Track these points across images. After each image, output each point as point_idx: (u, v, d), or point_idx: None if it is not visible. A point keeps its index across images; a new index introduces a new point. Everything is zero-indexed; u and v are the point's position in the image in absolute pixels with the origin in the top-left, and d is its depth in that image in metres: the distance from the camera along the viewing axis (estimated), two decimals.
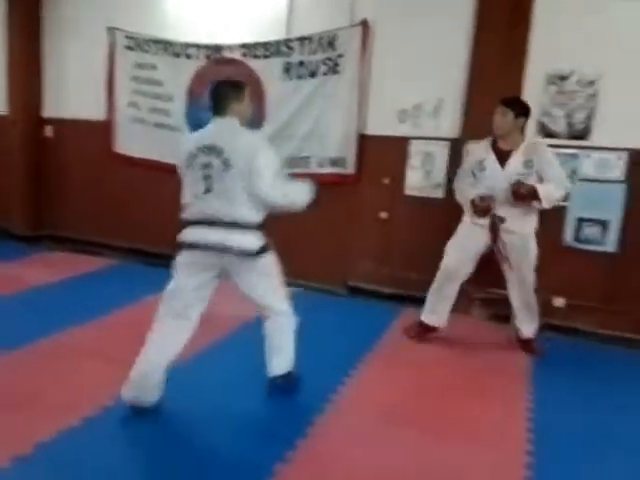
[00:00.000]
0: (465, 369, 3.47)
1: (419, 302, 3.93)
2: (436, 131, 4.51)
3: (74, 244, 6.05)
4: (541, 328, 3.80)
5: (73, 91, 5.98)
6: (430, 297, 3.79)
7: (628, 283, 4.07)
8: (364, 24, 4.54)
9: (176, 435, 2.56)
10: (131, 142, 5.69)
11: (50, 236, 6.24)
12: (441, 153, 4.50)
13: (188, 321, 2.67)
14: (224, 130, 2.66)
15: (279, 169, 2.69)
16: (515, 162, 3.44)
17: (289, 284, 2.96)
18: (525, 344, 3.76)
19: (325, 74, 4.71)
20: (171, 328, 2.65)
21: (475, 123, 4.27)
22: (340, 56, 4.64)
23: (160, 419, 2.64)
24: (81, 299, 4.31)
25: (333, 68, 4.67)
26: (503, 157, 3.46)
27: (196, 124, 5.27)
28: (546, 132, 4.14)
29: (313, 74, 4.76)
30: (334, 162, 4.78)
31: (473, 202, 3.52)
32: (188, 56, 5.26)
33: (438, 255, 3.78)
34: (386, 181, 4.69)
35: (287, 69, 4.83)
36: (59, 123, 6.11)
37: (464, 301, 4.07)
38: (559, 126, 4.14)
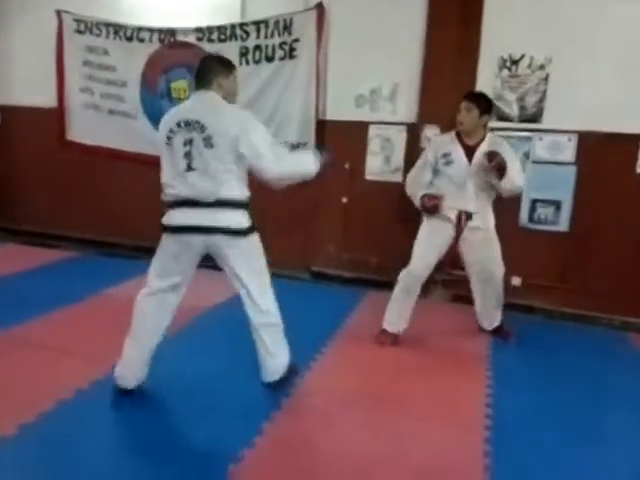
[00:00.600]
0: (426, 349, 3.55)
1: (380, 285, 3.97)
2: (393, 116, 4.55)
3: (28, 237, 5.87)
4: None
5: (21, 77, 5.76)
6: (392, 306, 3.59)
7: (580, 261, 4.23)
8: (319, 8, 4.52)
9: (141, 420, 2.55)
10: (85, 129, 5.54)
11: (2, 228, 6.04)
12: (399, 138, 4.55)
13: (174, 299, 2.66)
14: (205, 104, 2.55)
15: (273, 140, 2.59)
16: (479, 157, 3.38)
17: None
18: (496, 332, 3.79)
19: (282, 59, 4.68)
20: (156, 308, 2.64)
21: (431, 107, 4.33)
22: (296, 40, 4.61)
23: (124, 405, 2.63)
24: (38, 292, 4.18)
25: (290, 53, 4.64)
26: (469, 152, 3.40)
27: (152, 110, 5.20)
28: (500, 116, 4.23)
29: (270, 59, 4.71)
30: (295, 148, 4.77)
31: (423, 199, 3.44)
32: (141, 40, 5.13)
33: (398, 240, 3.83)
34: (347, 166, 4.71)
35: (243, 53, 4.77)
36: (7, 111, 5.88)
37: (425, 283, 4.14)
38: (512, 110, 4.23)
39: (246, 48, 4.76)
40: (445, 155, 3.42)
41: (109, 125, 5.40)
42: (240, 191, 2.56)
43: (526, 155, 4.21)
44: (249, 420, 2.57)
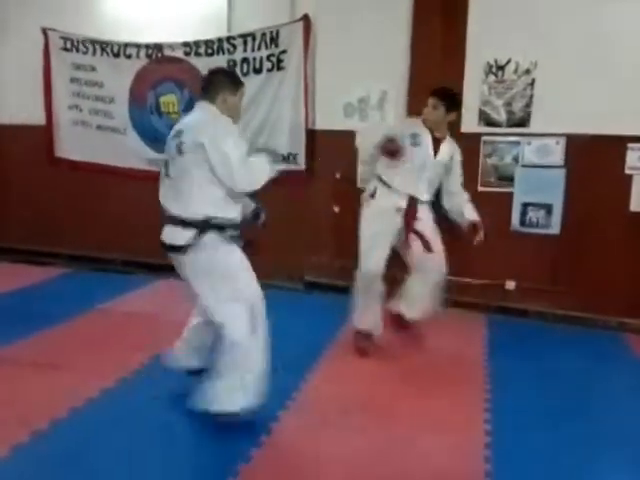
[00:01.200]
0: (423, 355, 3.53)
1: None
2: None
3: (19, 254, 5.80)
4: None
5: (8, 95, 5.74)
6: (359, 306, 3.55)
7: (571, 264, 4.24)
8: (305, 19, 4.55)
9: (137, 436, 2.51)
10: (73, 146, 5.53)
11: None
12: None
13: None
14: (196, 114, 2.53)
15: (245, 150, 2.46)
16: (444, 152, 3.43)
17: None
18: (404, 323, 3.58)
19: (270, 70, 4.70)
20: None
21: (419, 114, 4.33)
22: (283, 52, 4.63)
23: (121, 423, 2.59)
24: (29, 310, 4.13)
25: (277, 64, 4.67)
26: (436, 144, 3.41)
27: (142, 124, 5.20)
28: (488, 121, 4.26)
29: (258, 71, 4.73)
30: (285, 158, 4.77)
31: (385, 142, 3.25)
32: (128, 56, 5.14)
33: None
34: (338, 175, 4.71)
35: (231, 67, 4.78)
36: None
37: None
38: (500, 115, 4.26)
39: (234, 61, 4.77)
40: (414, 135, 3.37)
41: (98, 141, 5.39)
42: (199, 208, 2.42)
43: (515, 159, 4.24)
44: (247, 434, 2.54)
